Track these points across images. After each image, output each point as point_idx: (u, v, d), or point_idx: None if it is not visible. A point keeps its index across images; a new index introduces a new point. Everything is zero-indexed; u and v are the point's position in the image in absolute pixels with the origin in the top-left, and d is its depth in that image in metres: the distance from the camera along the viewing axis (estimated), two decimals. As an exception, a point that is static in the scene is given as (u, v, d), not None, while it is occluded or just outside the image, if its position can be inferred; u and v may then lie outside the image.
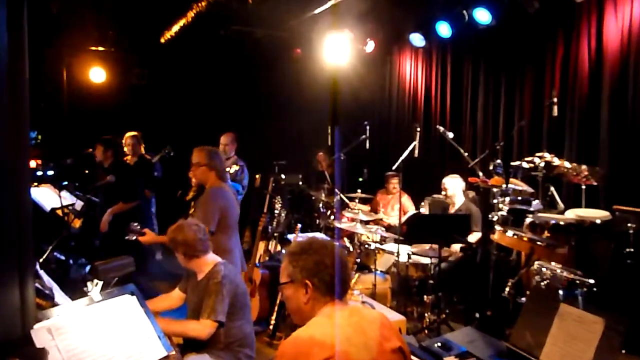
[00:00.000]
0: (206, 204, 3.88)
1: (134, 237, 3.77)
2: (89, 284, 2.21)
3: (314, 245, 1.97)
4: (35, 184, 5.65)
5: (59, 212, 4.61)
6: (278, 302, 4.90)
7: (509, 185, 4.44)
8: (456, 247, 5.47)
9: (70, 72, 8.39)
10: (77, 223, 4.67)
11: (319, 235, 6.06)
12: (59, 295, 2.36)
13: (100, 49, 8.37)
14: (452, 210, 5.72)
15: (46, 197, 5.00)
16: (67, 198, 5.05)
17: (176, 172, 6.93)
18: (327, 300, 1.94)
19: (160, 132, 7.57)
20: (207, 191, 3.94)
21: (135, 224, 3.78)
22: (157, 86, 8.64)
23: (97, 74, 8.47)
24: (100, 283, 2.21)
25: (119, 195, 5.17)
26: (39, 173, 6.65)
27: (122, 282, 2.46)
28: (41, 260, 3.35)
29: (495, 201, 4.54)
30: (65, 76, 8.34)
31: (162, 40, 7.98)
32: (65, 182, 5.78)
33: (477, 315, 4.85)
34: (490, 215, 4.57)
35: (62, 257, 4.60)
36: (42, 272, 2.39)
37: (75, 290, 2.89)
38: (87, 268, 5.55)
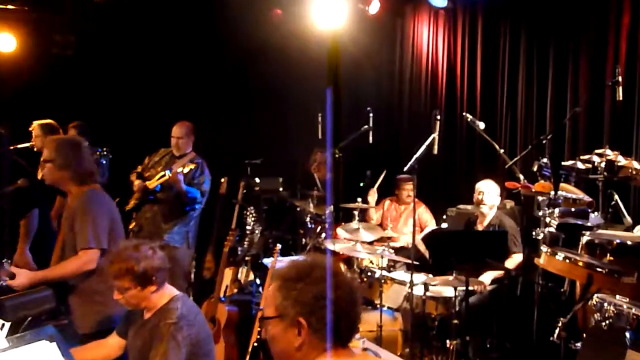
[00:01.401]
0: (86, 211, 3.74)
1: (3, 282, 3.57)
2: (-8, 325, 2.18)
3: (315, 271, 1.96)
4: None
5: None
6: (250, 348, 4.89)
7: (559, 193, 4.45)
8: (487, 276, 5.48)
9: (-31, 39, 8.31)
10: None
11: (319, 258, 6.04)
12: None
13: (9, 7, 8.31)
14: (481, 226, 5.74)
15: None
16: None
17: (112, 173, 6.91)
18: (325, 347, 1.93)
19: (90, 119, 7.52)
20: (80, 196, 3.81)
21: (5, 260, 3.68)
22: (88, 58, 8.58)
23: (4, 41, 8.40)
24: (8, 325, 2.18)
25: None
26: None
27: (39, 323, 2.44)
28: None
29: (540, 213, 4.55)
30: (-38, 44, 8.27)
31: (96, -1, 7.95)
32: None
33: (518, 366, 4.86)
34: (534, 233, 4.58)
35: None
36: None
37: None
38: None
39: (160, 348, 3.05)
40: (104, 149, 6.91)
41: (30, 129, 6.31)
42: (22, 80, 8.16)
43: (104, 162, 6.83)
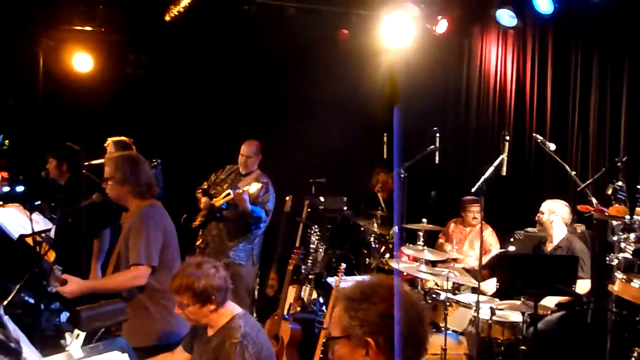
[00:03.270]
0: (140, 227, 3.81)
1: (54, 289, 3.65)
2: (67, 335, 2.24)
3: (379, 291, 1.96)
4: (0, 203, 5.83)
5: (30, 240, 4.72)
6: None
7: (636, 217, 4.34)
8: (550, 300, 5.34)
9: (48, 59, 8.64)
10: (52, 256, 4.79)
11: (383, 278, 6.02)
12: (28, 350, 2.40)
13: (87, 29, 8.61)
14: (548, 248, 5.61)
15: (13, 220, 5.15)
16: (40, 222, 5.18)
17: (179, 190, 7.06)
18: None
19: (160, 137, 7.72)
20: (137, 211, 3.91)
21: (57, 266, 3.76)
22: (158, 78, 8.82)
23: (81, 62, 8.69)
24: (83, 335, 2.24)
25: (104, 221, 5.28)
26: (5, 189, 6.87)
27: (111, 335, 2.50)
28: (5, 303, 3.42)
29: (615, 238, 4.45)
30: (41, 64, 8.61)
31: (167, 18, 8.18)
32: (39, 202, 5.95)
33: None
34: (607, 258, 4.47)
35: (32, 301, 4.73)
36: (6, 319, 2.44)
37: (47, 344, 2.94)
38: (64, 315, 5.70)
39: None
40: (153, 160, 7.06)
41: (106, 145, 6.51)
42: (98, 98, 8.43)
43: (157, 174, 6.99)
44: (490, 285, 5.76)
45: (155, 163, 7.02)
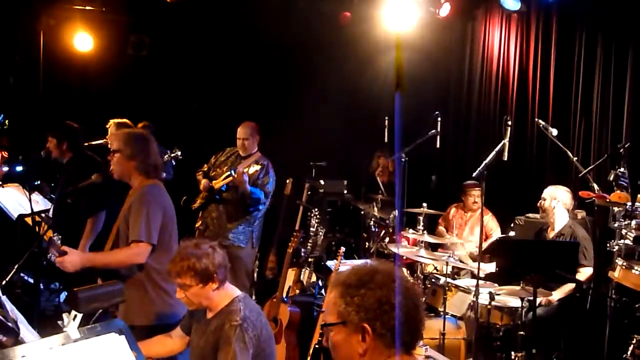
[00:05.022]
0: (141, 205, 3.79)
1: (52, 257, 3.68)
2: (64, 316, 2.23)
3: (376, 276, 1.95)
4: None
5: (29, 220, 4.71)
6: (312, 350, 4.89)
7: (638, 204, 4.32)
8: (556, 294, 5.33)
9: (48, 39, 8.61)
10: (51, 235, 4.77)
11: (379, 263, 6.02)
12: (25, 330, 2.39)
13: (87, 8, 8.57)
14: (550, 235, 5.59)
15: (12, 200, 5.13)
16: (40, 202, 5.17)
17: (180, 172, 7.04)
18: (390, 353, 1.91)
19: (162, 119, 7.69)
20: (139, 189, 3.88)
21: (55, 235, 3.75)
22: (161, 58, 8.79)
23: (82, 41, 8.66)
24: (80, 316, 2.22)
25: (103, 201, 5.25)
26: (4, 169, 6.86)
27: (110, 315, 2.49)
28: (3, 283, 3.42)
29: (616, 225, 4.44)
30: (42, 43, 8.57)
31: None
32: (38, 182, 5.93)
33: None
34: (608, 245, 4.46)
35: (31, 280, 4.72)
36: (4, 299, 2.43)
37: (46, 324, 2.94)
38: (63, 295, 5.70)
39: (228, 351, 3.08)
40: (175, 150, 7.04)
41: (107, 126, 6.48)
42: (98, 79, 8.40)
43: (174, 162, 6.96)
44: (490, 266, 5.76)
45: (174, 154, 7.02)
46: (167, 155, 6.52)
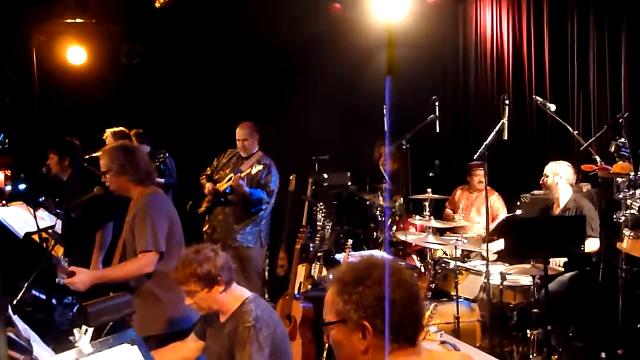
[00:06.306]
0: (145, 215, 3.80)
1: (62, 281, 3.69)
2: (76, 331, 2.24)
3: (373, 272, 1.92)
4: (4, 202, 5.83)
5: (36, 237, 4.73)
6: (327, 345, 4.90)
7: (640, 173, 4.31)
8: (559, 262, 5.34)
9: (41, 54, 8.62)
10: (60, 251, 4.79)
11: (378, 254, 6.03)
12: (38, 347, 2.40)
13: (78, 21, 8.57)
14: (556, 211, 5.59)
15: (18, 219, 5.14)
16: (45, 218, 5.17)
17: (183, 177, 7.05)
18: (394, 348, 1.89)
19: (160, 125, 7.70)
20: (140, 199, 3.89)
21: (63, 258, 3.76)
22: (154, 65, 8.78)
23: (75, 54, 8.68)
24: (91, 330, 2.24)
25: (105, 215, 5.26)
26: (8, 188, 6.88)
27: (120, 328, 2.49)
28: (15, 301, 3.43)
29: (621, 196, 4.42)
30: (35, 59, 8.58)
31: (157, 4, 8.11)
32: (42, 198, 5.94)
33: (604, 355, 4.74)
34: (614, 216, 4.44)
35: (43, 297, 4.73)
36: (15, 318, 2.44)
37: (60, 340, 2.95)
38: (75, 309, 5.72)
39: (244, 353, 3.08)
40: (161, 154, 7.04)
41: (104, 136, 6.49)
42: (94, 90, 8.41)
43: (163, 167, 6.97)
44: (498, 244, 5.76)
45: (163, 157, 7.04)
46: (156, 161, 6.54)
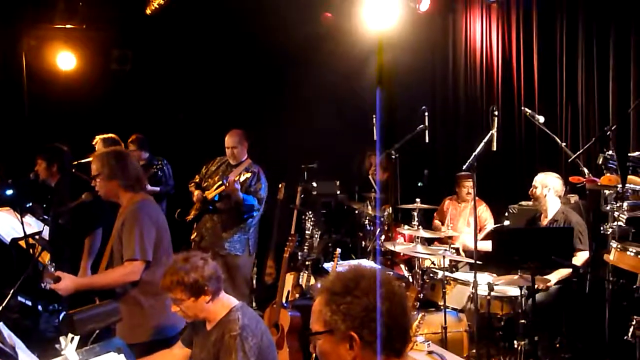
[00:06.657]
0: (134, 223, 3.80)
1: (48, 286, 3.66)
2: (62, 339, 2.23)
3: (362, 283, 1.91)
4: (-11, 208, 5.77)
5: (23, 243, 4.69)
6: (314, 355, 4.89)
7: (628, 186, 4.33)
8: (553, 276, 5.34)
9: (31, 59, 8.58)
10: (47, 257, 4.76)
11: (366, 263, 6.03)
12: (24, 355, 2.38)
13: (68, 26, 8.55)
14: (544, 222, 5.61)
15: (5, 224, 5.10)
16: (32, 224, 5.14)
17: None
18: (382, 359, 1.88)
19: (150, 131, 7.67)
20: (129, 206, 3.90)
21: (50, 263, 3.74)
22: (145, 71, 8.77)
23: (65, 60, 8.65)
24: (77, 338, 2.22)
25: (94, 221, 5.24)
26: (-5, 194, 6.82)
27: (106, 335, 2.48)
28: (0, 308, 3.40)
29: (608, 208, 4.44)
30: (25, 64, 8.54)
31: (148, 11, 8.11)
32: (30, 204, 5.89)
33: (590, 366, 4.74)
34: (602, 228, 4.46)
35: (29, 303, 4.69)
36: (1, 325, 2.43)
37: (47, 346, 2.92)
38: (62, 316, 5.67)
39: (230, 362, 3.06)
40: (159, 162, 7.02)
41: (94, 143, 6.46)
42: (84, 96, 8.38)
43: (160, 174, 6.95)
44: (486, 244, 5.75)
45: (160, 164, 7.02)
46: (153, 168, 6.52)
